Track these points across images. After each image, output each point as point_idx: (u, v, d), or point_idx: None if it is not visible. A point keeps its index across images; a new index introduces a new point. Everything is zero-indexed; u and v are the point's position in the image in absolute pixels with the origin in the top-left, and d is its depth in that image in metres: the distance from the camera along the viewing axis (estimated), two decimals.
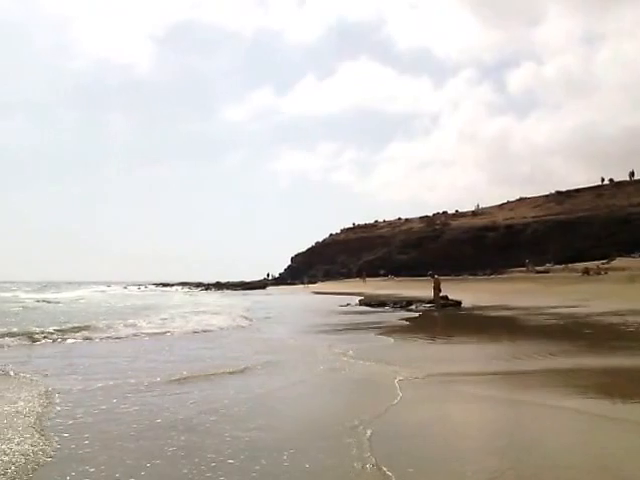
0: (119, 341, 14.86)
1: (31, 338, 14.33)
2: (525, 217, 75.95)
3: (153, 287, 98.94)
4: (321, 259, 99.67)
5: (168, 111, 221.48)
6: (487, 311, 24.72)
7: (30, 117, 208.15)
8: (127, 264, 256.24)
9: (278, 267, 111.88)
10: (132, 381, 8.69)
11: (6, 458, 4.93)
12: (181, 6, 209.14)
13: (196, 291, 77.15)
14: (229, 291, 73.00)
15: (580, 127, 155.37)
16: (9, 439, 5.46)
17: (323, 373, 9.81)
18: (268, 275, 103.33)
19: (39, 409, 6.76)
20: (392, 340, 14.60)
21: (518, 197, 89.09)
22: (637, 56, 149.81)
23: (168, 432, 5.91)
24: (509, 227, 73.74)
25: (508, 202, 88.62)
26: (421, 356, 11.94)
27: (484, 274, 55.32)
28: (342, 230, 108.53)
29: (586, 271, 41.22)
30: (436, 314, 24.77)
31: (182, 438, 5.69)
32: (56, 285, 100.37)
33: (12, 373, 9.38)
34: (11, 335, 14.53)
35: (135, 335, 15.99)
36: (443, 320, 22.60)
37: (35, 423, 6.08)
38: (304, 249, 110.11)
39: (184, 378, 8.96)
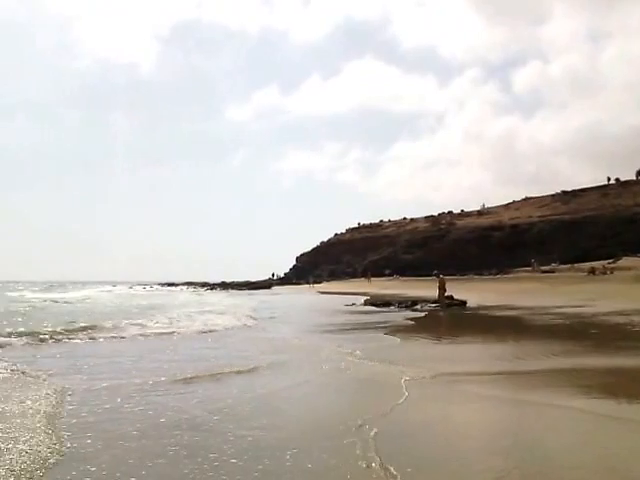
0: (125, 341, 14.89)
1: (38, 338, 14.37)
2: (531, 217, 75.88)
3: (158, 287, 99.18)
4: (326, 259, 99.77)
5: (172, 111, 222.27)
6: (492, 311, 24.66)
7: (35, 117, 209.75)
8: (132, 264, 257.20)
9: (283, 267, 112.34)
10: (137, 381, 8.69)
11: (9, 457, 4.95)
12: (185, 5, 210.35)
13: (201, 291, 77.28)
14: (234, 291, 73.06)
15: (586, 126, 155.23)
16: (14, 438, 5.48)
17: (329, 373, 9.79)
18: (273, 275, 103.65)
19: (44, 408, 6.76)
20: (398, 340, 14.57)
21: (524, 197, 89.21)
22: None
23: (171, 431, 5.91)
24: (515, 227, 73.72)
25: (514, 202, 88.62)
26: (427, 356, 11.92)
27: (489, 274, 55.23)
28: (347, 230, 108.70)
29: (592, 271, 41.10)
30: (441, 314, 24.72)
31: (185, 437, 5.69)
32: (62, 285, 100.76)
33: (19, 373, 9.39)
34: (18, 335, 14.58)
35: (141, 335, 16.00)
36: (448, 320, 22.55)
37: (39, 422, 6.09)
38: (309, 249, 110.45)
39: (189, 378, 8.96)
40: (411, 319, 21.66)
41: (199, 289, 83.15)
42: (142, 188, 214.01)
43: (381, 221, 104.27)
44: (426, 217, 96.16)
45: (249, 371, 9.72)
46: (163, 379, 8.83)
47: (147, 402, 7.29)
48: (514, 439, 5.77)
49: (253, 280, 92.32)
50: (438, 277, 28.22)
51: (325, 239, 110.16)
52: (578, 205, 74.16)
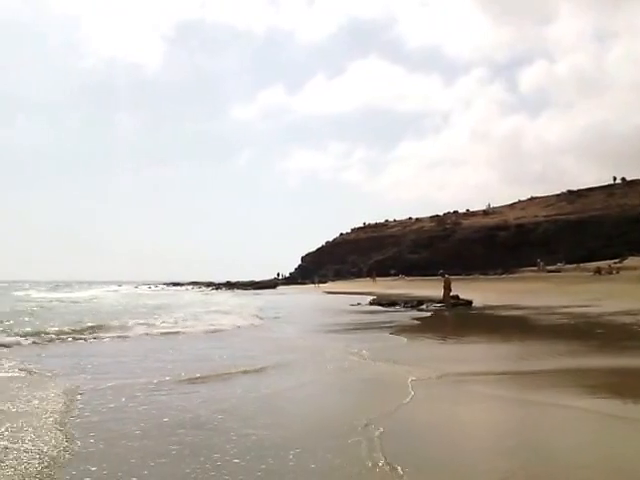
0: (131, 340, 14.92)
1: (45, 337, 14.44)
2: (536, 216, 75.68)
3: (164, 287, 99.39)
4: (331, 259, 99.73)
5: (178, 110, 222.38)
6: (498, 311, 24.60)
7: (41, 116, 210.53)
8: (137, 264, 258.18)
9: (288, 267, 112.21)
10: (142, 380, 8.71)
11: (9, 457, 4.98)
12: (191, 5, 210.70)
13: (207, 290, 77.36)
14: (239, 291, 73.07)
15: (592, 126, 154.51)
16: (20, 438, 5.50)
17: (334, 373, 9.77)
18: (278, 275, 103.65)
19: (50, 407, 6.79)
20: (404, 340, 14.55)
21: (529, 196, 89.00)
22: None
23: (175, 430, 5.90)
24: (520, 226, 73.52)
25: (519, 201, 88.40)
26: (433, 356, 11.89)
27: (495, 273, 55.15)
28: (352, 230, 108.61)
29: (598, 270, 40.99)
30: (447, 314, 24.68)
31: (188, 437, 5.69)
32: (68, 284, 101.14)
33: (26, 372, 9.44)
34: (25, 334, 14.64)
35: (147, 334, 16.06)
36: (454, 320, 22.52)
37: (43, 422, 6.11)
38: (314, 249, 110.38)
39: (193, 378, 8.96)
40: (417, 319, 21.64)
41: (204, 289, 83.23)
42: (146, 188, 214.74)
43: (386, 221, 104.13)
44: (431, 217, 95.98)
45: (254, 371, 9.71)
46: (168, 379, 8.84)
47: (151, 402, 7.30)
48: (519, 439, 5.76)
49: (258, 280, 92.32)
50: (444, 277, 28.18)
51: (330, 239, 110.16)
52: (584, 205, 73.91)
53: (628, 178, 76.64)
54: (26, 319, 20.32)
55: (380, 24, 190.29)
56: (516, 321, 20.13)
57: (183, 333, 16.54)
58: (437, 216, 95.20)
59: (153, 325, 18.32)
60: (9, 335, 14.45)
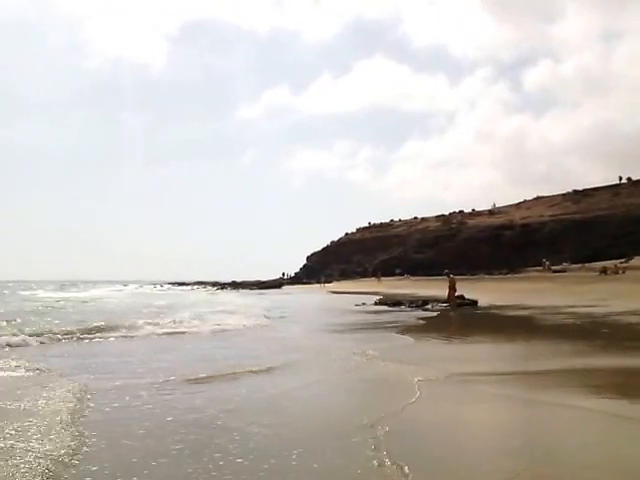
0: (137, 340, 14.98)
1: (52, 337, 14.51)
2: (542, 216, 75.38)
3: (169, 286, 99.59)
4: (337, 258, 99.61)
5: (183, 110, 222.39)
6: (503, 310, 24.55)
7: (47, 116, 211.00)
8: (143, 263, 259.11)
9: (294, 266, 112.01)
10: (147, 380, 8.74)
11: (10, 456, 5.00)
12: (196, 5, 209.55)
13: (212, 290, 77.51)
14: (245, 290, 73.20)
15: (597, 126, 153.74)
16: (26, 437, 5.53)
17: (339, 372, 9.77)
18: (284, 274, 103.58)
19: (57, 407, 6.82)
20: (410, 340, 14.55)
21: (535, 196, 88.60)
22: None
23: (178, 430, 5.91)
24: (525, 226, 73.26)
25: (525, 201, 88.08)
26: (439, 356, 11.87)
27: (500, 273, 55.01)
28: (358, 229, 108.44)
29: (604, 270, 40.83)
30: (452, 314, 24.66)
31: (191, 437, 5.69)
32: (74, 284, 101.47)
33: (32, 372, 9.48)
34: (33, 334, 14.71)
35: (153, 334, 16.12)
36: (459, 320, 22.49)
37: (48, 421, 6.13)
38: (319, 248, 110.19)
39: (199, 377, 8.98)
40: (422, 319, 21.63)
41: (210, 288, 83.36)
42: (152, 187, 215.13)
43: (392, 220, 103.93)
44: (437, 216, 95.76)
45: (259, 371, 9.70)
46: (173, 378, 8.86)
47: (155, 401, 7.32)
48: (525, 439, 5.75)
49: (264, 280, 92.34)
50: (448, 277, 28.14)
51: (335, 238, 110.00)
52: (589, 204, 73.57)
53: (634, 178, 76.26)
54: (33, 319, 20.41)
55: (385, 24, 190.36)
56: (521, 321, 20.10)
57: (189, 333, 16.60)
58: (442, 216, 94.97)
59: (159, 325, 18.38)
60: (16, 335, 14.50)
